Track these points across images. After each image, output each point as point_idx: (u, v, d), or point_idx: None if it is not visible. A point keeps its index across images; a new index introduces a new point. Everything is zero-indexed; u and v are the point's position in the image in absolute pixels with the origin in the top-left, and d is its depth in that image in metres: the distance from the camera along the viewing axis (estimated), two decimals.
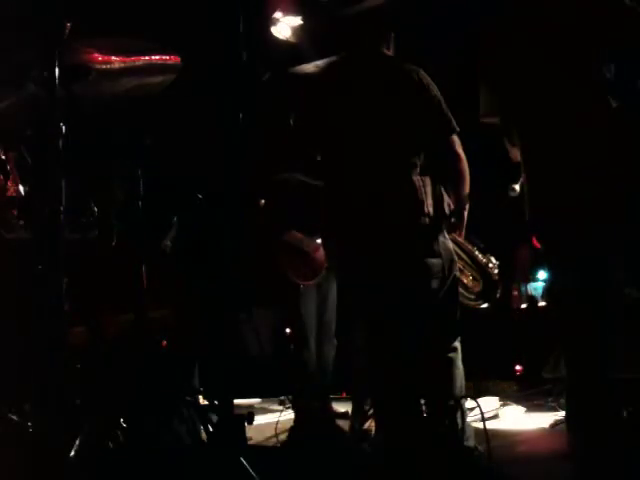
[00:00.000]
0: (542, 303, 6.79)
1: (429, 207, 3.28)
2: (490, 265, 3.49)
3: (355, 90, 3.40)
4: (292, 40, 5.25)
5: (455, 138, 3.37)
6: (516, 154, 2.97)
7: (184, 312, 3.86)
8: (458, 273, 3.41)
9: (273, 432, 4.34)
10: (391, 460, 3.15)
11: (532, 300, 6.91)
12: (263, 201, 4.95)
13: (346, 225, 3.38)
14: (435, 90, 3.36)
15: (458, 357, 3.37)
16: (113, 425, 2.65)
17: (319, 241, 4.64)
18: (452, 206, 3.37)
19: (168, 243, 6.85)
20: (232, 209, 2.85)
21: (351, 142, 3.36)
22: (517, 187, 3.35)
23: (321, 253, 4.60)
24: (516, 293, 7.29)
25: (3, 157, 3.12)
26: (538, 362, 5.60)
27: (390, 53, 3.50)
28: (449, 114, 3.37)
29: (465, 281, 3.48)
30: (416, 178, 3.28)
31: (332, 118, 3.42)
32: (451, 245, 3.38)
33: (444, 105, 3.37)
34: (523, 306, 6.87)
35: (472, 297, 3.53)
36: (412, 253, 3.27)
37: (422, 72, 3.38)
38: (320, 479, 3.19)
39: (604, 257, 2.72)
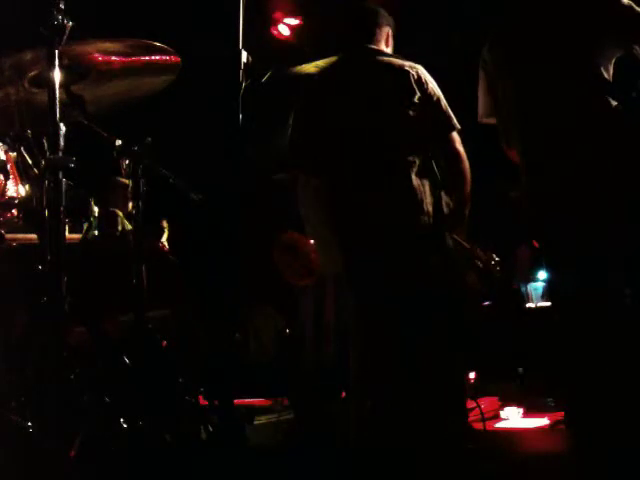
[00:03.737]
0: (542, 303, 6.79)
1: (428, 206, 3.27)
2: (492, 262, 3.49)
3: (355, 89, 3.40)
4: (292, 40, 5.26)
5: (455, 136, 3.36)
6: (514, 155, 2.97)
7: (184, 312, 3.86)
8: (460, 271, 3.40)
9: (273, 432, 4.34)
10: (391, 460, 3.15)
11: (532, 300, 6.91)
12: (260, 201, 4.96)
13: (345, 225, 3.38)
14: (435, 87, 3.36)
15: (460, 357, 3.37)
16: (113, 425, 2.65)
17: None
18: (451, 205, 3.36)
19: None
20: (231, 209, 2.85)
21: (350, 141, 3.36)
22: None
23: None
24: None
25: (3, 157, 3.12)
26: (538, 362, 5.60)
27: (389, 50, 3.50)
28: (449, 111, 3.36)
29: (467, 279, 3.48)
30: (415, 177, 3.28)
31: (332, 118, 3.41)
32: (452, 244, 3.38)
33: (444, 102, 3.36)
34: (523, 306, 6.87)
35: (474, 294, 3.53)
36: (413, 252, 3.27)
37: (422, 69, 3.37)
38: (320, 479, 3.19)
39: (604, 257, 2.71)
